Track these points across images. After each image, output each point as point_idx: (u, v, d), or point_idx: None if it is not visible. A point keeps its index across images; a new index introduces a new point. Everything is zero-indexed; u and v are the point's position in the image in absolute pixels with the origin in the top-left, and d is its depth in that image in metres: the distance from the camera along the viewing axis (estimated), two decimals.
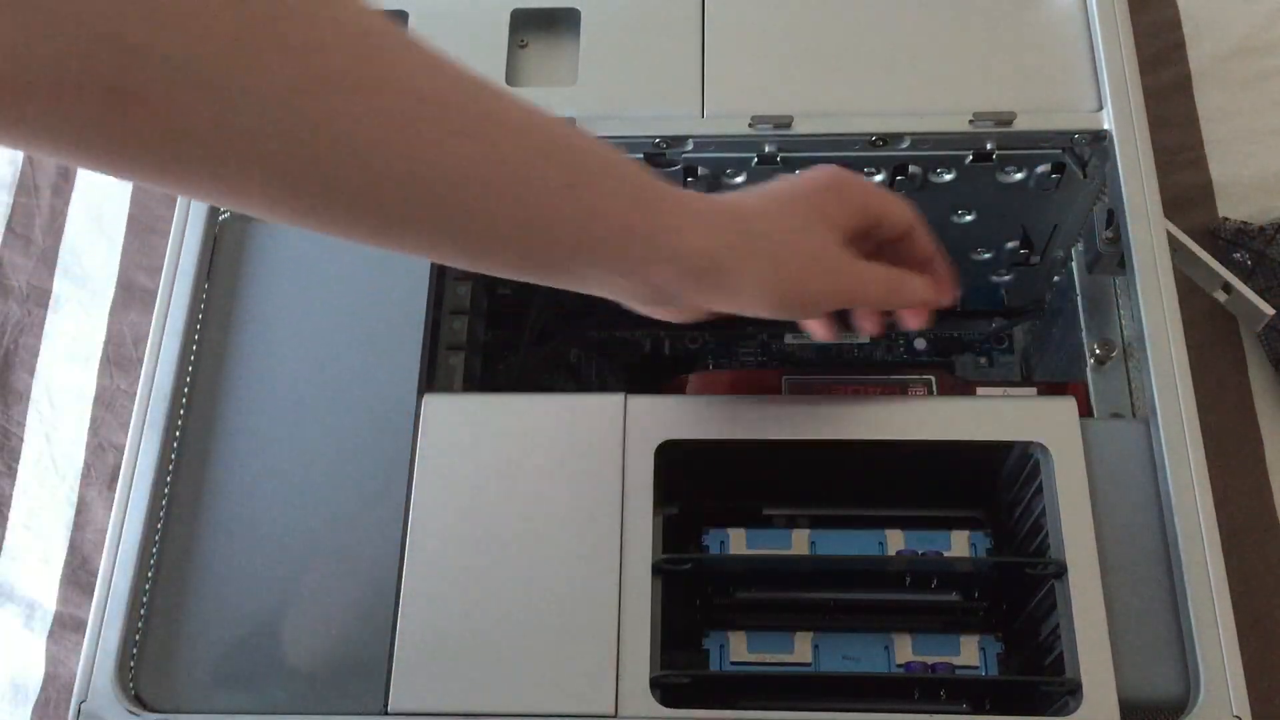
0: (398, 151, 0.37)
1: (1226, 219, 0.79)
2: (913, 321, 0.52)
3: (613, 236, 0.42)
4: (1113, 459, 0.51)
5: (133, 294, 0.87)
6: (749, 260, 0.45)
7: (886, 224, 0.50)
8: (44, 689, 0.76)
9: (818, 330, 0.53)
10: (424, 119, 0.37)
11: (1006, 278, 0.71)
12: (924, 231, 0.51)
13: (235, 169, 0.35)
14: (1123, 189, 0.56)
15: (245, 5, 0.33)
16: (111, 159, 0.34)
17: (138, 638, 0.50)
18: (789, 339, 0.73)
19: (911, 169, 0.60)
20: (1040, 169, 0.60)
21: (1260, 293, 0.67)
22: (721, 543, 0.56)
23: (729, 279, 0.45)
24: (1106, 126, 0.58)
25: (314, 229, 0.39)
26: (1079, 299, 0.64)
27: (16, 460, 0.83)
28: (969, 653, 0.53)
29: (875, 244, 0.50)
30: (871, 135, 0.58)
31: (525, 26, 0.63)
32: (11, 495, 0.81)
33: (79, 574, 0.78)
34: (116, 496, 0.52)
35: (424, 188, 0.38)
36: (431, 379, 0.57)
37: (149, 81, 0.32)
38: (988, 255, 0.68)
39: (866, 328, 0.52)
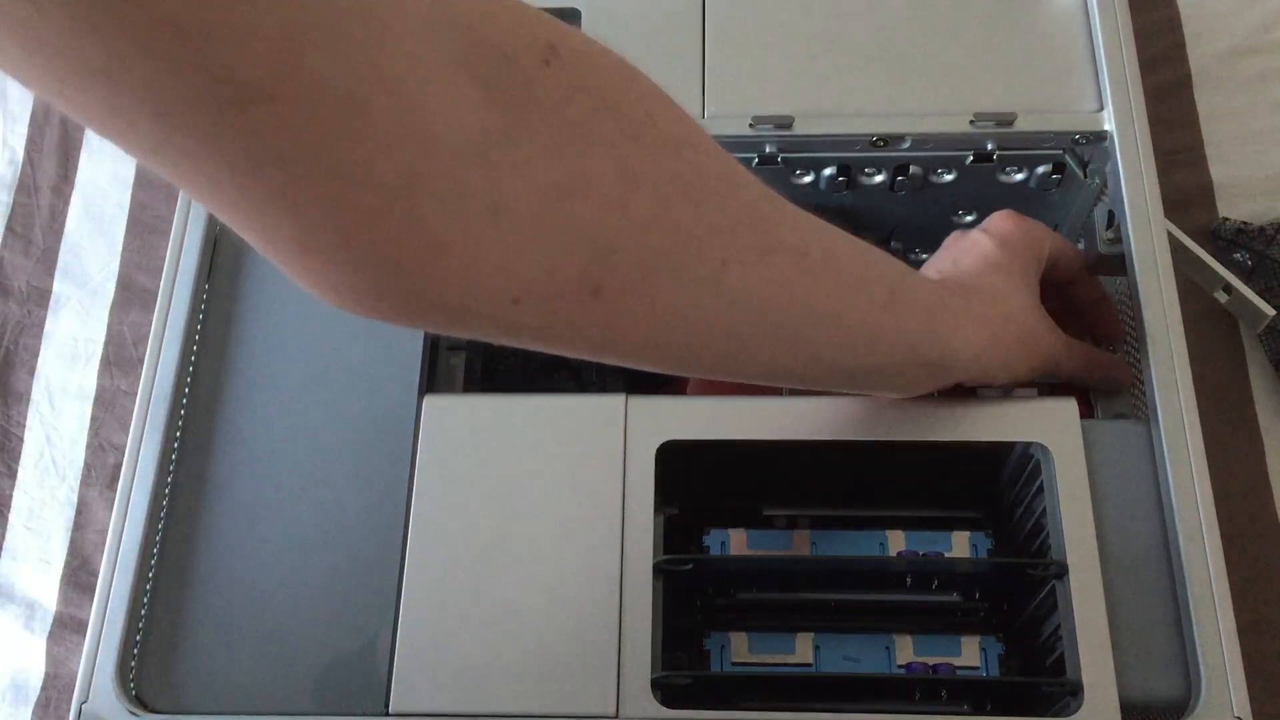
0: (787, 301, 0.41)
1: (1226, 219, 0.79)
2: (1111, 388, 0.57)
3: (921, 344, 0.47)
4: (1113, 459, 0.51)
5: (133, 294, 0.87)
6: (1001, 352, 0.50)
7: (1061, 266, 0.55)
8: (44, 689, 0.76)
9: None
10: (796, 272, 0.41)
11: None
12: (1090, 276, 0.56)
13: (676, 341, 0.39)
14: (1123, 189, 0.56)
15: (689, 198, 0.36)
16: (574, 348, 0.38)
17: (138, 638, 0.50)
18: None
19: (912, 169, 0.60)
20: (1041, 169, 0.60)
21: (1260, 293, 0.67)
22: (722, 543, 0.56)
23: (990, 374, 0.50)
24: (1107, 127, 0.58)
25: (710, 376, 0.45)
26: None
27: (16, 460, 0.83)
28: (970, 653, 0.53)
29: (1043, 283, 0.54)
30: (872, 136, 0.58)
31: None
32: (11, 495, 0.81)
33: (79, 574, 0.78)
34: (117, 497, 0.52)
35: (801, 328, 0.42)
36: (432, 379, 0.57)
37: (620, 277, 0.35)
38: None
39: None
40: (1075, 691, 0.47)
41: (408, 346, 0.55)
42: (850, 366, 0.46)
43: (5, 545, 0.80)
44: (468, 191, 0.30)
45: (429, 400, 0.53)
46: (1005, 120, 0.58)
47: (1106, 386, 0.56)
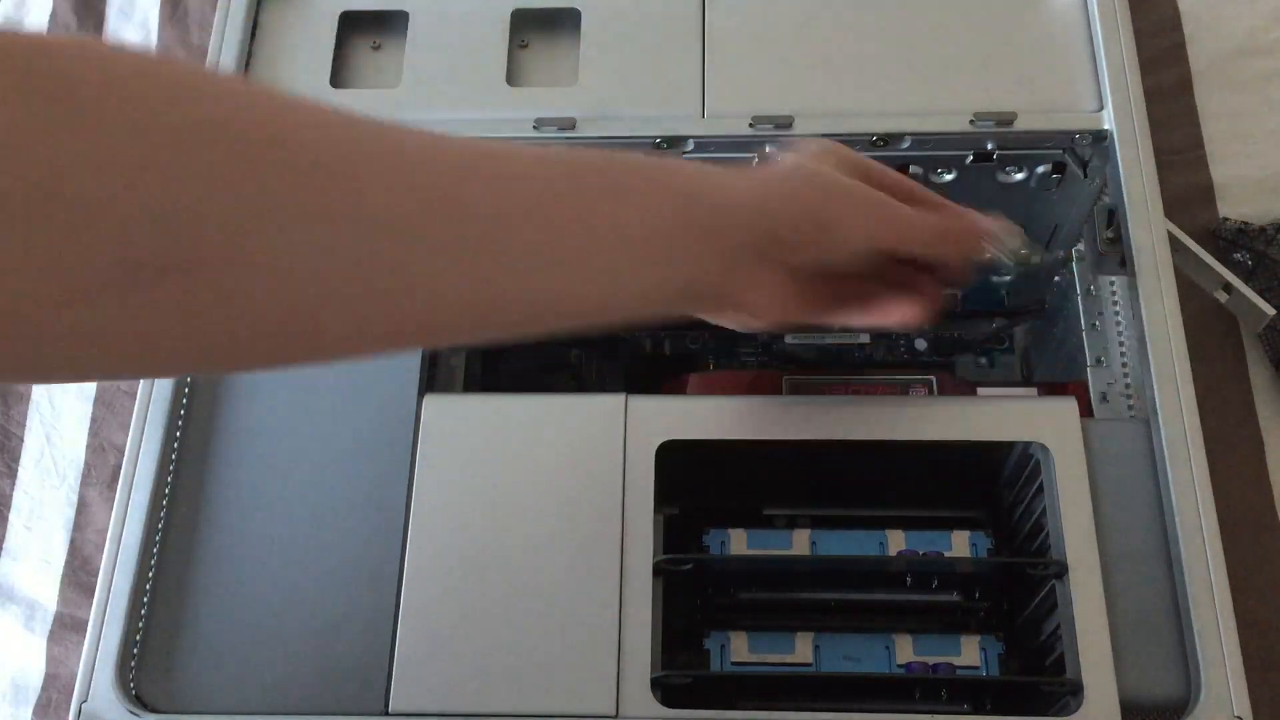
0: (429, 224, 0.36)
1: (1227, 219, 0.79)
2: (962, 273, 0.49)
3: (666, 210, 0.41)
4: (1113, 459, 0.51)
5: None
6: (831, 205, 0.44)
7: (890, 182, 0.47)
8: (44, 689, 0.76)
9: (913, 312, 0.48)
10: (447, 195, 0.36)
11: (1007, 278, 0.71)
12: (923, 188, 0.49)
13: (301, 315, 0.34)
14: (1123, 189, 0.56)
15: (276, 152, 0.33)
16: (160, 349, 0.33)
17: (138, 638, 0.50)
18: (789, 339, 0.73)
19: (912, 169, 0.60)
20: (1041, 169, 0.60)
21: (1260, 293, 0.68)
22: (722, 543, 0.56)
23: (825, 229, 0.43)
24: (1107, 126, 0.58)
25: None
26: (1079, 299, 0.64)
27: (17, 460, 0.83)
28: (970, 653, 0.53)
29: None
30: (872, 135, 0.58)
31: (526, 27, 0.63)
32: (12, 495, 0.81)
33: (79, 574, 0.78)
34: (117, 497, 0.52)
35: (434, 285, 0.37)
36: (432, 379, 0.57)
37: (212, 246, 0.31)
38: (988, 255, 0.68)
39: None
40: (1075, 691, 0.47)
41: None
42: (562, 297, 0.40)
43: (5, 545, 0.80)
44: (6, 182, 0.28)
45: (429, 400, 0.53)
46: (1005, 120, 0.58)
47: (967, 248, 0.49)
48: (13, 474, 0.82)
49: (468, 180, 0.37)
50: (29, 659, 0.77)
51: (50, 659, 0.76)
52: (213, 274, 0.31)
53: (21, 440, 0.83)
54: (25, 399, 0.84)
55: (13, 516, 0.81)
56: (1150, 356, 0.52)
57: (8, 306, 0.28)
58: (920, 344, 0.73)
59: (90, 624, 0.50)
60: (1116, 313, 0.62)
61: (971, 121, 0.58)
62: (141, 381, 0.55)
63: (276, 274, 0.33)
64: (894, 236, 0.45)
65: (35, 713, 0.75)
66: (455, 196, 0.36)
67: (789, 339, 0.73)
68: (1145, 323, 0.53)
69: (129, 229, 0.30)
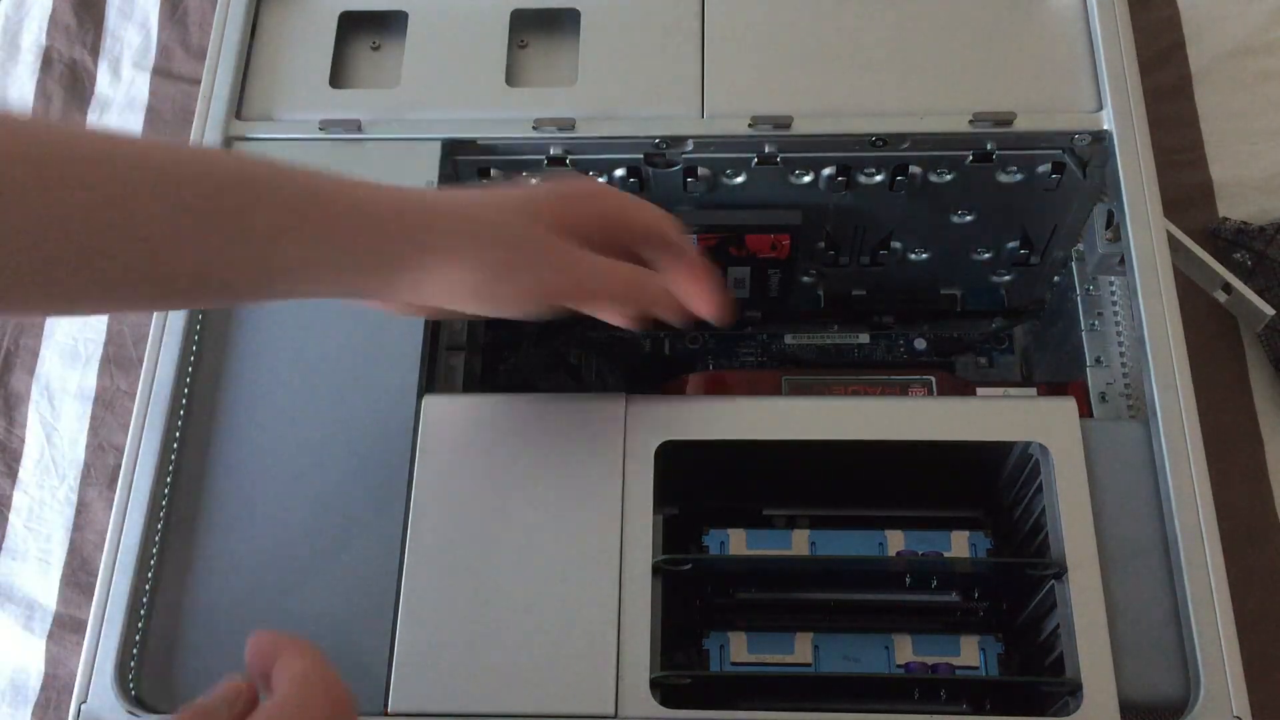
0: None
1: (1226, 219, 0.79)
2: (672, 318, 0.49)
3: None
4: (1113, 459, 0.51)
5: None
6: (452, 239, 0.46)
7: (635, 230, 0.49)
8: (44, 689, 0.76)
9: (618, 321, 0.49)
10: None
11: (1006, 278, 0.71)
12: (683, 239, 0.50)
13: None
14: (1123, 189, 0.56)
15: None
16: None
17: (138, 639, 0.50)
18: (789, 339, 0.73)
19: (912, 169, 0.60)
20: (1040, 169, 0.60)
21: (1260, 293, 0.68)
22: (721, 543, 0.56)
23: (428, 258, 0.45)
24: (1106, 126, 0.58)
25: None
26: (1079, 299, 0.64)
27: (17, 460, 0.83)
28: (969, 653, 0.53)
29: (633, 254, 0.49)
30: (871, 135, 0.58)
31: (525, 26, 0.63)
32: (12, 495, 0.81)
33: (79, 574, 0.78)
34: (116, 497, 0.52)
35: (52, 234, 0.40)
36: (432, 379, 0.57)
37: None
38: (988, 255, 0.68)
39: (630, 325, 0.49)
40: (1074, 691, 0.47)
41: (407, 346, 0.55)
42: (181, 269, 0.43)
43: (5, 545, 0.80)
44: None
45: (428, 400, 0.53)
46: (1004, 120, 0.58)
47: (663, 305, 0.49)
48: (13, 474, 0.82)
49: (139, 198, 0.41)
50: (28, 659, 0.77)
51: (50, 659, 0.76)
52: None
53: (22, 440, 0.83)
54: (25, 399, 0.84)
55: (13, 516, 0.81)
56: (1149, 357, 0.52)
57: None
58: (920, 344, 0.73)
59: (90, 624, 0.50)
60: (1116, 313, 0.62)
61: (971, 121, 0.58)
62: (141, 382, 0.54)
63: None
64: (566, 297, 0.47)
65: (35, 713, 0.75)
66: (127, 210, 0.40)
67: (788, 339, 0.73)
68: (1144, 323, 0.53)
69: None
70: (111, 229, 0.40)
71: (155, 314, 0.56)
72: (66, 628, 0.77)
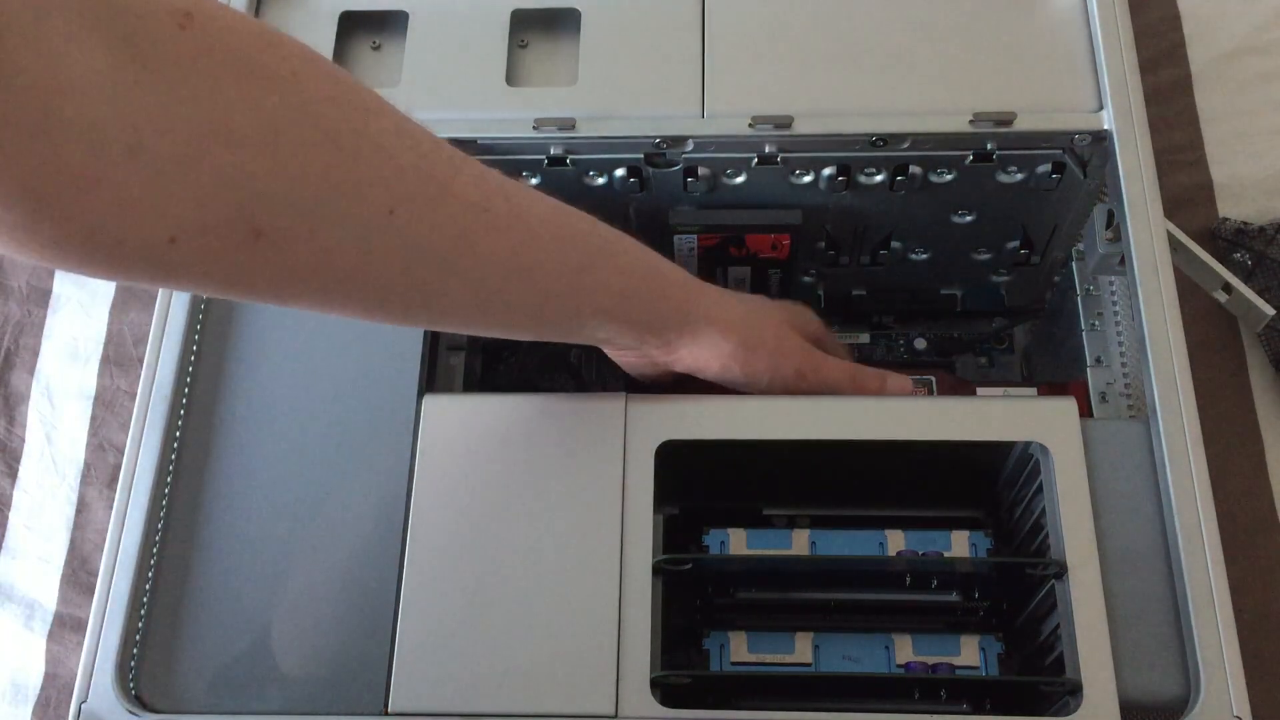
0: (464, 251, 0.44)
1: (1226, 219, 0.79)
2: None
3: (624, 306, 0.51)
4: (1113, 459, 0.51)
5: (133, 294, 0.87)
6: (720, 312, 0.54)
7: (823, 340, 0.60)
8: (44, 689, 0.76)
9: None
10: (474, 219, 0.44)
11: (1007, 278, 0.71)
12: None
13: (348, 283, 0.42)
14: (1123, 189, 0.56)
15: (338, 147, 0.39)
16: (249, 290, 0.41)
17: (138, 638, 0.50)
18: None
19: (912, 169, 0.60)
20: (1040, 169, 0.60)
21: (1260, 293, 0.67)
22: (722, 543, 0.56)
23: (700, 324, 0.53)
24: (1107, 126, 0.58)
25: (395, 321, 0.47)
26: (1079, 299, 0.64)
27: (17, 460, 0.83)
28: (969, 653, 0.53)
29: None
30: (872, 135, 0.58)
31: (525, 26, 0.63)
32: (12, 495, 0.81)
33: (79, 574, 0.78)
34: (116, 497, 0.52)
35: (483, 278, 0.45)
36: (432, 379, 0.57)
37: (279, 221, 0.38)
38: (988, 255, 0.68)
39: None
40: (1074, 691, 0.47)
41: (407, 346, 0.55)
42: (553, 318, 0.50)
43: (5, 544, 0.80)
44: (103, 131, 0.33)
45: (428, 400, 0.53)
46: (1005, 120, 0.58)
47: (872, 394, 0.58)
48: (13, 473, 0.82)
49: (497, 231, 0.45)
50: (29, 659, 0.77)
51: (50, 658, 0.76)
52: (279, 241, 0.38)
53: (22, 439, 0.83)
54: (25, 399, 0.84)
55: (13, 516, 0.81)
56: (1149, 356, 0.52)
57: (130, 237, 0.35)
58: (920, 344, 0.73)
59: (90, 624, 0.50)
60: (1116, 313, 0.62)
61: (971, 121, 0.58)
62: (141, 381, 0.55)
63: (328, 255, 0.40)
64: (798, 377, 0.56)
65: (35, 712, 0.75)
66: (482, 244, 0.44)
67: None
68: (1144, 323, 0.53)
69: (206, 192, 0.36)
70: (516, 274, 0.46)
71: (155, 314, 0.56)
72: (66, 627, 0.77)
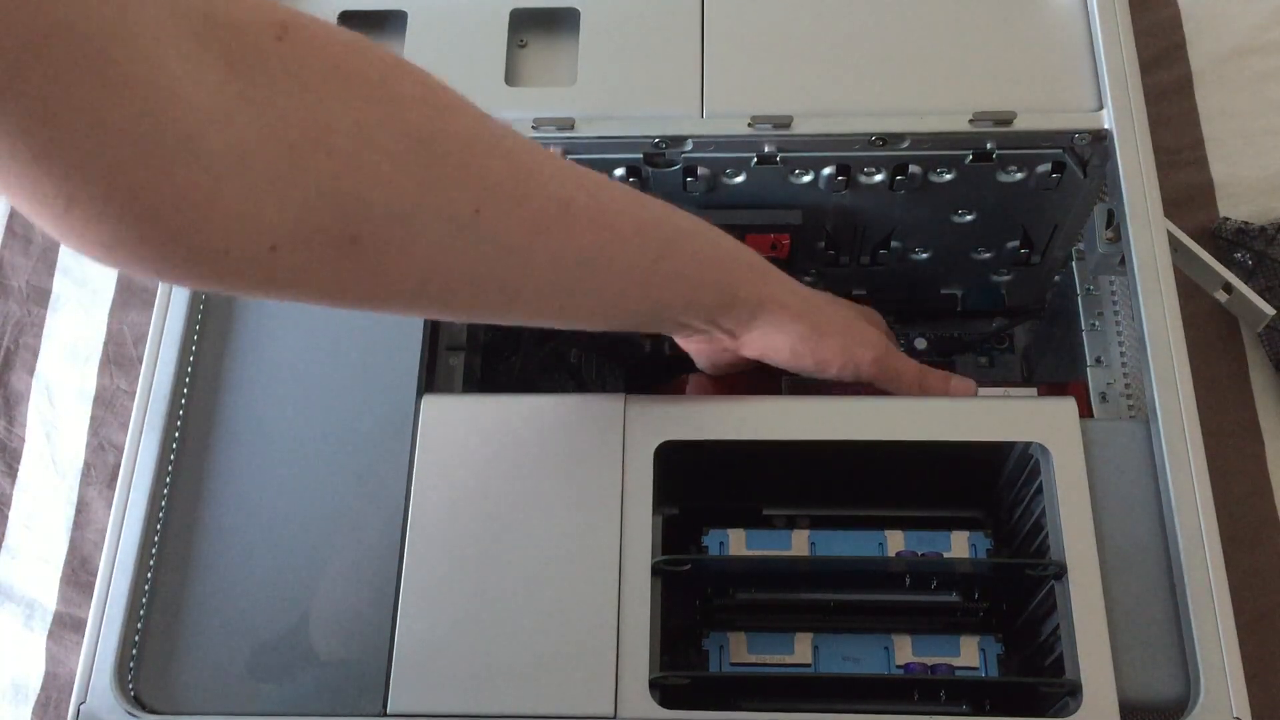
0: (546, 246, 0.44)
1: (1227, 219, 0.79)
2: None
3: (699, 292, 0.51)
4: (1113, 459, 0.51)
5: (133, 294, 0.87)
6: (791, 298, 0.54)
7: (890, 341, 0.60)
8: (44, 689, 0.76)
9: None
10: (558, 218, 0.45)
11: (1007, 277, 0.71)
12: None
13: (437, 284, 0.43)
14: (1123, 189, 0.56)
15: (429, 150, 0.40)
16: (344, 297, 0.42)
17: (137, 639, 0.50)
18: None
19: (911, 169, 0.60)
20: (1040, 168, 0.60)
21: (1261, 293, 0.67)
22: (721, 543, 0.56)
23: (770, 306, 0.53)
24: (1107, 126, 0.57)
25: (475, 319, 0.51)
26: (1079, 299, 0.63)
27: (17, 460, 0.83)
28: (969, 654, 0.53)
29: None
30: (871, 135, 0.58)
31: (525, 26, 0.63)
32: (12, 495, 0.81)
33: (79, 574, 0.78)
34: (115, 497, 0.52)
35: (565, 271, 0.46)
36: (432, 379, 0.57)
37: (375, 225, 0.39)
38: (988, 255, 0.68)
39: None
40: (1074, 691, 0.47)
41: (406, 346, 0.55)
42: (631, 307, 0.50)
43: (5, 544, 0.80)
44: (210, 144, 0.34)
45: (427, 400, 0.53)
46: (1004, 119, 0.58)
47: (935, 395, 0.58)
48: (13, 473, 0.82)
49: (579, 225, 0.45)
50: (29, 659, 0.77)
51: (50, 658, 0.76)
52: (374, 247, 0.39)
53: (22, 439, 0.83)
54: (25, 399, 0.84)
55: (13, 515, 0.81)
56: (1149, 356, 0.52)
57: (234, 246, 0.36)
58: (920, 343, 0.73)
59: (89, 624, 0.50)
60: (1116, 312, 0.62)
61: (971, 121, 0.58)
62: (140, 381, 0.54)
63: (419, 257, 0.41)
64: (867, 365, 0.56)
65: (35, 712, 0.75)
66: (564, 238, 0.45)
67: None
68: (1144, 322, 0.53)
69: (309, 201, 0.37)
70: (595, 266, 0.47)
71: (154, 313, 0.56)
72: (66, 627, 0.77)
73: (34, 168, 0.31)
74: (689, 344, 0.57)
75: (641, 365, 0.72)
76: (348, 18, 0.63)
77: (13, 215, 0.91)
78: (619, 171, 0.61)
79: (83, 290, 0.88)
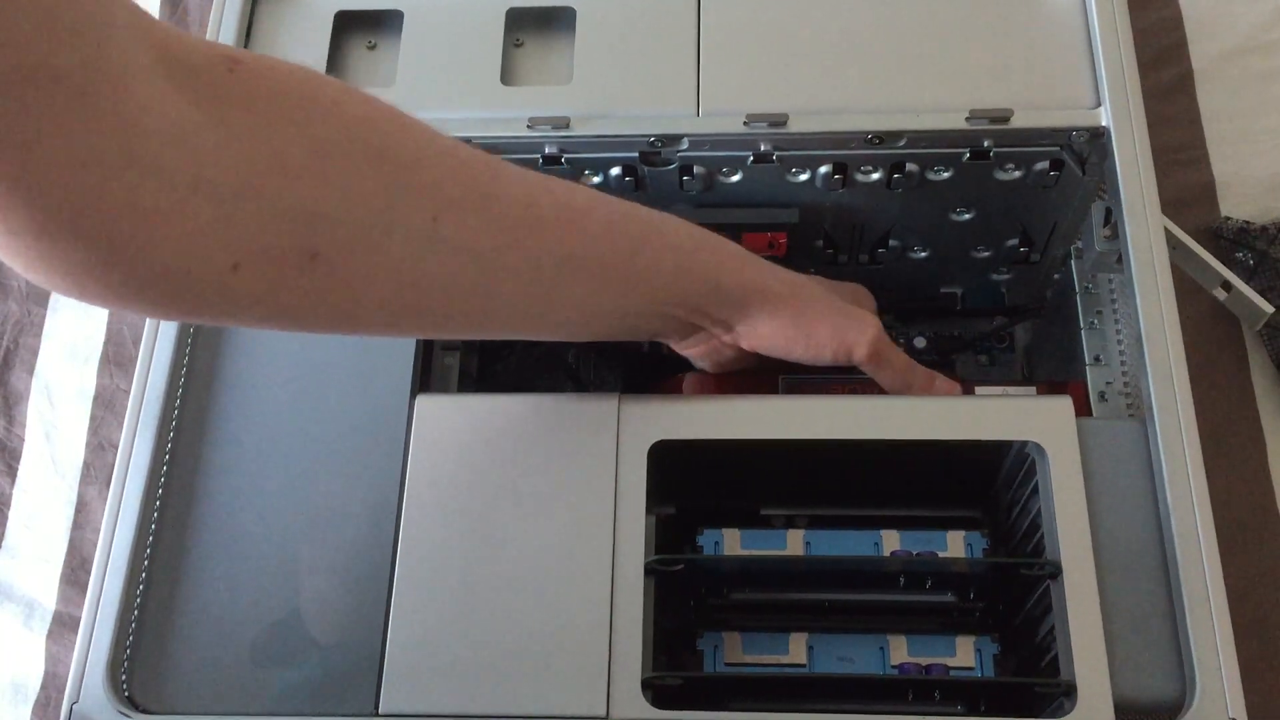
0: (515, 249, 0.45)
1: (1228, 218, 0.79)
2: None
3: (679, 285, 0.51)
4: (1109, 459, 0.51)
5: None
6: (781, 286, 0.53)
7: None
8: (44, 688, 0.76)
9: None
10: (522, 220, 0.45)
11: (1006, 276, 0.70)
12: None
13: (408, 296, 0.43)
14: (1120, 186, 0.55)
15: (382, 163, 0.41)
16: (313, 317, 0.42)
17: (130, 639, 0.50)
18: None
19: (908, 167, 0.60)
20: (1038, 166, 0.60)
21: (1263, 293, 0.67)
22: (716, 543, 0.55)
23: (762, 295, 0.53)
24: (1104, 123, 0.57)
25: (462, 334, 0.52)
26: (1078, 297, 0.63)
27: (17, 460, 0.83)
28: (964, 654, 0.53)
29: None
30: (868, 133, 0.58)
31: (521, 25, 0.63)
32: (11, 495, 0.82)
33: (79, 573, 0.79)
34: (109, 497, 0.52)
35: (539, 275, 0.46)
36: (427, 379, 0.57)
37: (332, 239, 0.40)
38: (987, 253, 0.68)
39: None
40: (1069, 692, 0.47)
41: (401, 346, 0.55)
42: (610, 309, 0.50)
43: (5, 543, 0.80)
44: (172, 166, 0.35)
45: (421, 400, 0.53)
46: (1001, 117, 0.57)
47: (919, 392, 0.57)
48: (13, 473, 0.82)
49: (547, 227, 0.46)
50: (29, 658, 0.77)
51: (50, 658, 0.77)
52: (335, 261, 0.40)
53: (22, 439, 0.83)
54: (25, 399, 0.84)
55: (12, 515, 0.81)
56: (1147, 355, 0.52)
57: (197, 267, 0.37)
58: (920, 342, 0.73)
59: (82, 625, 0.50)
60: (1115, 311, 0.61)
61: (968, 119, 0.58)
62: (135, 381, 0.54)
63: (384, 269, 0.42)
64: (861, 349, 0.54)
65: (34, 711, 0.75)
66: (532, 241, 0.45)
67: None
68: (1142, 321, 0.52)
69: (265, 217, 0.38)
70: (568, 266, 0.47)
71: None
72: (66, 626, 0.77)
73: (5, 198, 0.33)
74: (689, 348, 0.56)
75: (638, 365, 0.71)
76: (345, 18, 0.63)
77: None
78: (615, 171, 0.61)
79: None
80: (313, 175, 0.39)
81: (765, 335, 0.53)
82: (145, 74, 0.35)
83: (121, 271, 0.36)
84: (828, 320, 0.54)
